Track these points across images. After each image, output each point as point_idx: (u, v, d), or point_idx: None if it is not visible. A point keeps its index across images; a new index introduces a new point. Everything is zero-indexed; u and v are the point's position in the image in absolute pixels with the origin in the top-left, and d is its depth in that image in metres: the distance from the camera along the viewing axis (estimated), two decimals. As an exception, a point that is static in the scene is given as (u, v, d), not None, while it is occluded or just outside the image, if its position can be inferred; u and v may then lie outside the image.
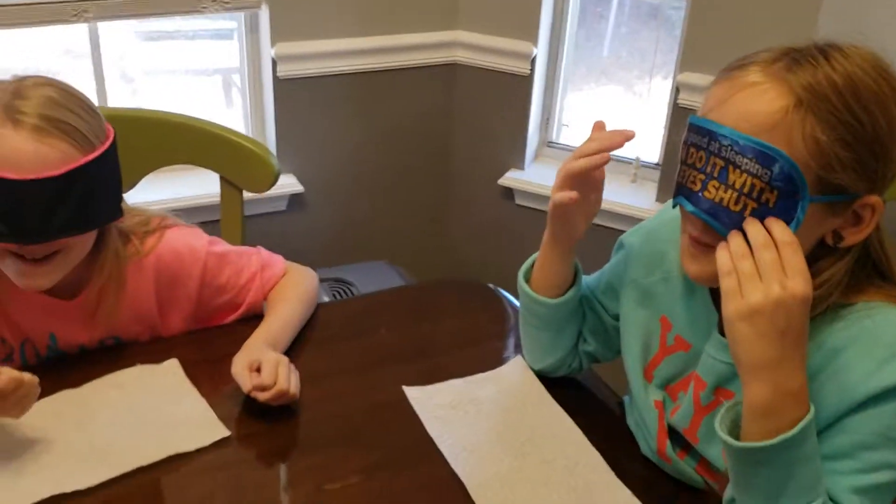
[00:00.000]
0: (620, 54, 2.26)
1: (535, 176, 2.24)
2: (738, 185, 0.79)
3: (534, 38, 2.09)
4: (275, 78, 2.02)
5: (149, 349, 1.13)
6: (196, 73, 2.45)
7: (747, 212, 0.79)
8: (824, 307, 0.82)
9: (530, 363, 1.13)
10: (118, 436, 0.98)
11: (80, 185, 0.97)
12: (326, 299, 1.86)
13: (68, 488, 0.89)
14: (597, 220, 2.28)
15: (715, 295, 0.91)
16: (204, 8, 1.88)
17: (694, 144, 0.83)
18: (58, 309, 1.09)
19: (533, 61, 2.11)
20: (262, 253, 1.23)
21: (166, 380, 1.08)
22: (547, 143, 2.30)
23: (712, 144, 0.80)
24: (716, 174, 0.80)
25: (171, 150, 1.40)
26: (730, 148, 0.78)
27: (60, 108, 0.97)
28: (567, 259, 1.05)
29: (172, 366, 1.10)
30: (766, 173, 0.77)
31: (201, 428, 1.00)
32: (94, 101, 1.05)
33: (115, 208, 1.05)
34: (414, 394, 1.08)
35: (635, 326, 1.02)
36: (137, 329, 1.15)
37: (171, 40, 2.48)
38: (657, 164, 2.14)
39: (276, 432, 1.02)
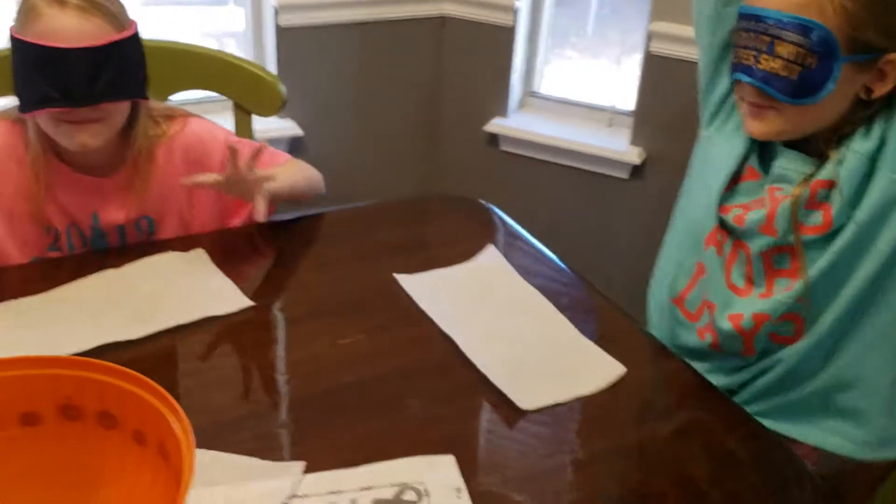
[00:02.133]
0: (597, 9, 2.42)
1: (519, 123, 2.40)
2: (784, 55, 1.00)
3: (516, -9, 2.25)
4: (277, 28, 2.17)
5: (178, 245, 1.29)
6: (200, 38, 2.58)
7: (794, 76, 1.00)
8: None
9: None
10: (158, 301, 1.14)
11: (116, 58, 1.15)
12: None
13: (120, 338, 1.05)
14: (574, 163, 2.46)
15: None
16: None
17: (744, 29, 1.04)
18: (100, 187, 1.27)
19: (516, 14, 2.27)
20: (271, 148, 1.40)
21: (196, 263, 1.25)
22: (530, 93, 2.46)
23: (759, 25, 1.01)
24: (765, 49, 1.01)
25: (185, 76, 1.53)
26: (775, 25, 0.99)
27: None
28: None
29: (199, 253, 1.27)
30: (806, 41, 0.98)
31: (229, 299, 1.16)
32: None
33: (143, 88, 1.23)
34: (403, 279, 1.24)
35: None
36: (168, 211, 1.32)
37: (169, 6, 2.59)
38: (631, 112, 2.31)
39: (293, 303, 1.20)
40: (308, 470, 0.88)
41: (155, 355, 1.05)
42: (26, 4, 1.15)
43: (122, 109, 1.22)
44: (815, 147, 1.10)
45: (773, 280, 1.13)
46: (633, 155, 2.24)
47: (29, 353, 0.96)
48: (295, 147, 2.30)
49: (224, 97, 1.57)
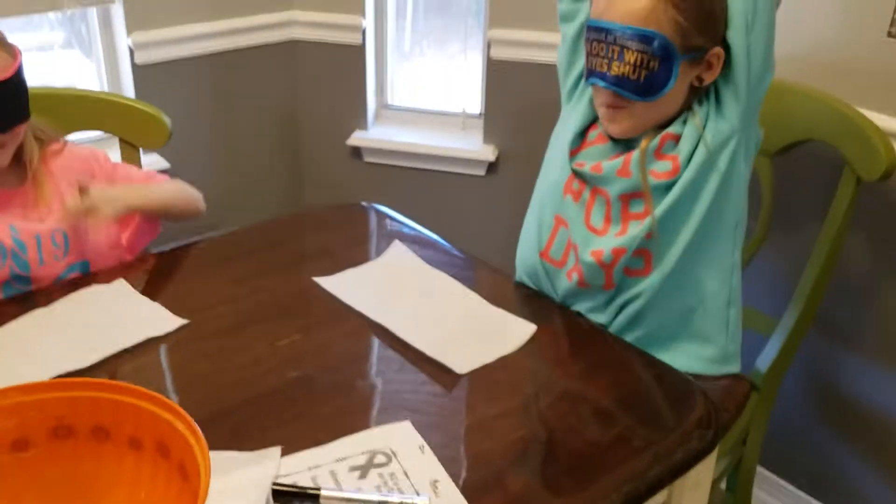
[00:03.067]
0: (438, 22, 2.60)
1: (378, 134, 2.54)
2: (632, 61, 1.19)
3: (361, 12, 2.39)
4: (133, 65, 2.20)
5: (98, 278, 1.35)
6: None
7: (641, 77, 1.19)
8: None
9: None
10: (97, 331, 1.20)
11: (18, 85, 1.25)
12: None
13: (71, 368, 1.10)
14: (434, 166, 2.63)
15: None
16: (63, 5, 2.03)
17: (595, 39, 1.22)
18: (9, 198, 1.35)
19: (363, 33, 2.42)
20: (153, 171, 1.58)
21: (121, 292, 1.31)
22: (384, 106, 2.61)
23: (609, 37, 1.19)
24: (615, 56, 1.19)
25: (75, 119, 1.59)
26: (622, 36, 1.18)
27: None
28: None
29: (121, 283, 1.33)
30: (649, 48, 1.17)
31: (164, 319, 1.23)
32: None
33: (28, 109, 1.32)
34: (323, 281, 1.35)
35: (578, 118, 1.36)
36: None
37: None
38: (480, 114, 2.50)
39: (223, 315, 1.28)
40: (285, 453, 0.98)
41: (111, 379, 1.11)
42: None
43: (22, 130, 1.32)
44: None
45: (628, 221, 1.30)
46: (488, 153, 2.43)
47: None
48: (164, 180, 2.33)
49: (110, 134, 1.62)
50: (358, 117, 2.53)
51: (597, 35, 1.22)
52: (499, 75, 2.36)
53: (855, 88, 1.64)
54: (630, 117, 1.25)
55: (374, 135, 2.54)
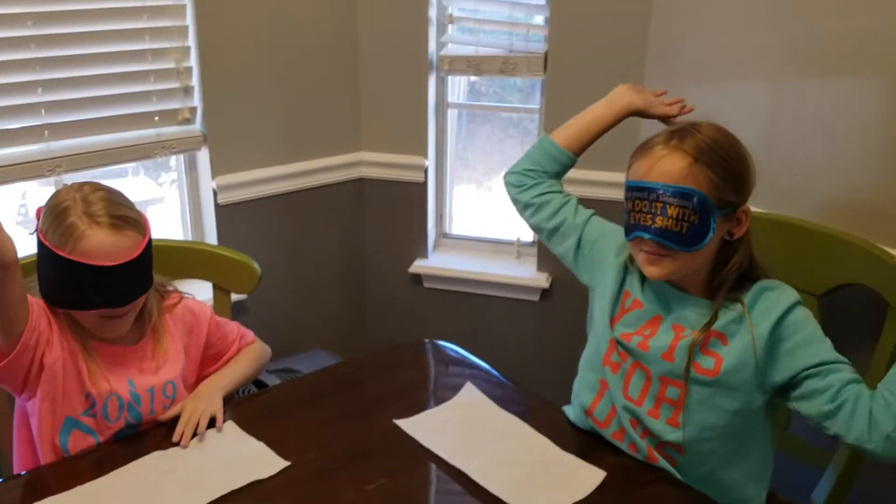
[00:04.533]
0: (495, 159, 2.79)
1: (437, 262, 2.70)
2: (674, 215, 1.31)
3: (424, 152, 2.59)
4: (216, 205, 2.39)
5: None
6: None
7: (683, 230, 1.31)
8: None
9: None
10: (207, 474, 1.33)
11: (145, 258, 1.39)
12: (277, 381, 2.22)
13: (182, 510, 1.23)
14: (489, 292, 2.76)
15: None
16: (155, 154, 2.25)
17: (637, 198, 1.35)
18: (128, 354, 1.47)
19: (426, 171, 2.60)
20: (240, 326, 1.69)
21: (231, 434, 1.45)
22: (443, 235, 2.78)
23: (651, 195, 1.33)
24: (658, 212, 1.32)
25: (171, 268, 1.74)
26: (663, 194, 1.32)
27: (118, 206, 1.39)
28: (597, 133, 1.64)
29: (230, 426, 1.47)
30: (689, 204, 1.31)
31: (267, 462, 1.36)
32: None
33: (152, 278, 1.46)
34: (404, 424, 1.47)
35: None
36: (184, 371, 1.55)
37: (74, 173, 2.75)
38: (533, 242, 2.65)
39: (319, 459, 1.40)
40: None
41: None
42: (63, 222, 1.34)
43: (144, 298, 1.45)
44: (695, 288, 1.41)
45: (661, 403, 1.41)
46: (542, 280, 2.57)
47: None
48: (237, 310, 2.49)
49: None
50: (419, 246, 2.70)
51: (639, 194, 1.35)
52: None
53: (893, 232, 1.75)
54: (672, 263, 1.36)
55: (433, 262, 2.70)
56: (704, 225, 1.31)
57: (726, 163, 1.33)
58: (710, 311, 1.37)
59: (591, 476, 1.32)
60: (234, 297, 2.45)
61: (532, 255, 2.65)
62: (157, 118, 2.24)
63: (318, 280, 2.69)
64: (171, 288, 1.57)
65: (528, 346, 2.67)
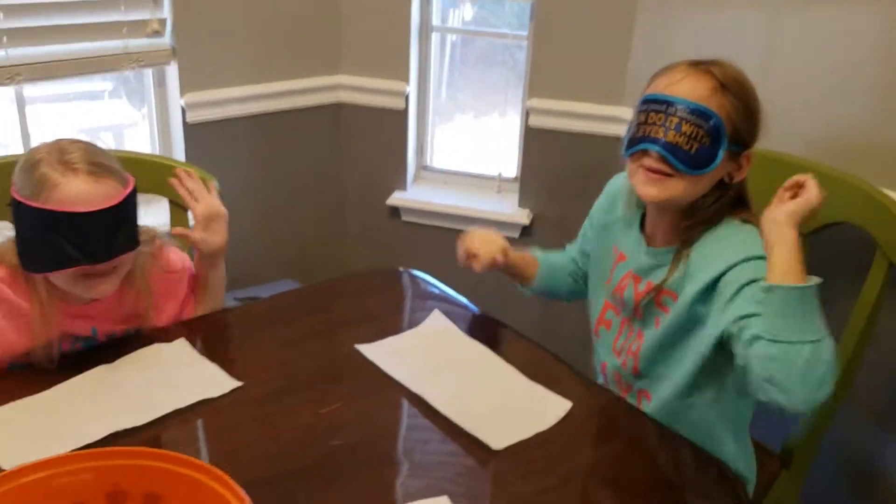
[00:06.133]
0: (480, 88, 2.69)
1: (416, 195, 2.61)
2: (688, 132, 1.26)
3: (406, 78, 2.48)
4: (185, 124, 2.29)
5: (160, 336, 1.41)
6: (80, 133, 2.63)
7: (692, 150, 1.26)
8: (712, 221, 1.33)
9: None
10: (154, 390, 1.26)
11: (127, 212, 1.28)
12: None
13: (124, 426, 1.16)
14: (468, 227, 2.69)
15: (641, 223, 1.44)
16: (122, 66, 2.14)
17: (653, 110, 1.29)
18: (97, 308, 1.37)
19: (407, 98, 2.50)
20: None
21: (182, 352, 1.37)
22: (423, 167, 2.68)
23: (669, 108, 1.27)
24: (672, 127, 1.26)
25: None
26: (683, 109, 1.26)
27: (97, 153, 1.29)
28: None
29: (182, 343, 1.39)
30: (704, 124, 1.26)
31: (219, 382, 1.29)
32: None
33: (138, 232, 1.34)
34: (365, 349, 1.40)
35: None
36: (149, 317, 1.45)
37: (46, 104, 2.64)
38: (515, 178, 2.56)
39: (275, 380, 1.33)
40: (328, 522, 1.02)
41: (159, 439, 1.17)
42: (35, 174, 1.23)
43: (131, 257, 1.33)
44: (662, 235, 1.38)
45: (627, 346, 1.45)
46: (523, 216, 2.49)
47: (40, 447, 1.07)
48: (209, 234, 2.41)
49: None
50: (397, 178, 2.60)
51: (657, 106, 1.29)
52: (535, 142, 2.42)
53: (889, 172, 1.68)
54: (670, 186, 1.30)
55: (412, 195, 2.61)
56: (713, 151, 1.27)
57: (747, 98, 1.29)
58: (668, 264, 1.35)
59: (557, 406, 1.26)
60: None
61: (514, 192, 2.56)
62: (124, 29, 2.12)
63: (290, 208, 2.60)
64: (153, 246, 1.44)
65: (507, 284, 2.59)
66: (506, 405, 1.27)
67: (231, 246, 2.46)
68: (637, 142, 1.31)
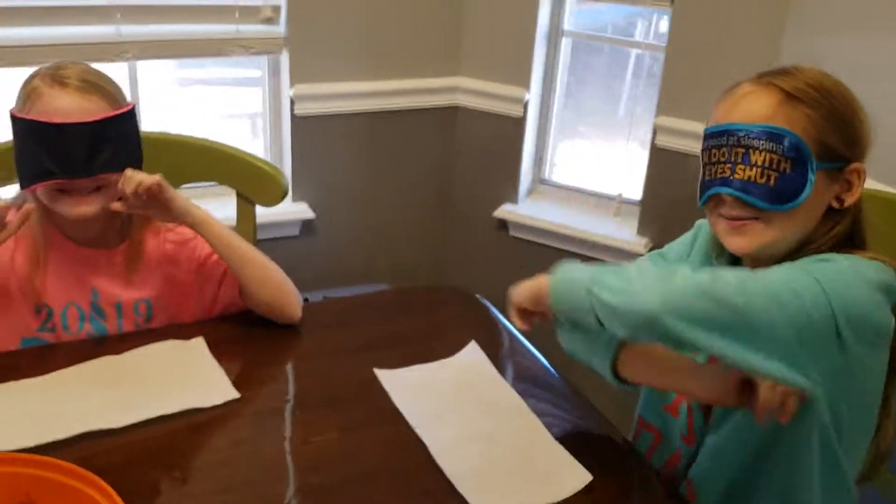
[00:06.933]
0: (608, 101, 2.47)
1: (529, 210, 2.44)
2: (759, 163, 1.02)
3: (527, 85, 2.31)
4: (292, 116, 2.24)
5: (180, 332, 1.32)
6: (225, 118, 2.67)
7: (771, 181, 1.01)
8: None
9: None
10: (145, 391, 1.18)
11: (113, 132, 1.22)
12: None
13: (101, 426, 1.08)
14: (582, 251, 2.46)
15: None
16: (231, 51, 2.11)
17: (715, 146, 1.06)
18: (98, 260, 1.32)
19: (526, 105, 2.33)
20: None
21: (194, 352, 1.28)
22: (540, 180, 2.50)
23: (730, 139, 1.04)
24: (739, 160, 1.03)
25: (192, 168, 1.60)
26: (745, 136, 1.02)
27: (94, 75, 1.25)
28: None
29: (199, 342, 1.30)
30: (779, 148, 1.01)
31: (217, 391, 1.19)
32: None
33: (139, 162, 1.28)
34: (383, 375, 1.26)
35: None
36: (164, 296, 1.37)
37: (204, 86, 2.70)
38: (638, 201, 2.33)
39: (274, 395, 1.22)
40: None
41: (135, 446, 1.07)
42: (28, 87, 1.23)
43: (116, 181, 1.26)
44: None
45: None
46: (640, 246, 2.25)
47: (11, 436, 1.00)
48: (306, 229, 2.36)
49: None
50: (509, 190, 2.44)
51: (716, 141, 1.06)
52: (662, 164, 2.19)
53: None
54: (762, 230, 1.05)
55: (524, 210, 2.44)
56: (799, 176, 1.01)
57: (830, 104, 1.03)
58: None
59: (575, 477, 1.06)
60: (305, 216, 2.33)
61: (633, 216, 2.33)
62: (237, 14, 2.10)
63: (394, 211, 2.50)
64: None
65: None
66: (514, 465, 1.08)
67: (327, 244, 2.40)
68: (706, 187, 1.08)
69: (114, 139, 1.23)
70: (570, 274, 1.05)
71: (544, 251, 2.40)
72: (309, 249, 2.38)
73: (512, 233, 2.45)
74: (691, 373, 1.08)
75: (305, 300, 1.43)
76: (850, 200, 1.05)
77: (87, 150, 1.20)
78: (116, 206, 1.27)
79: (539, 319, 1.15)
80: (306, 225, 2.36)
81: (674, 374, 1.10)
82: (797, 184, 1.01)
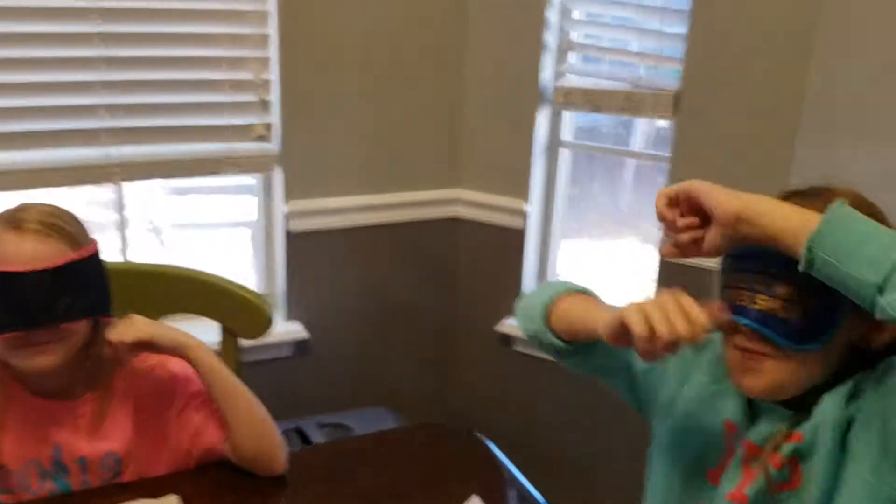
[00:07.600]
0: (612, 209, 2.41)
1: (531, 324, 2.33)
2: (783, 295, 0.92)
3: (526, 196, 2.25)
4: (287, 232, 2.17)
5: (149, 487, 1.21)
6: (218, 227, 2.62)
7: (795, 316, 0.91)
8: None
9: None
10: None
11: (74, 278, 1.14)
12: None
13: None
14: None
15: None
16: (222, 171, 2.06)
17: (735, 268, 0.96)
18: (60, 413, 1.22)
19: (525, 217, 2.26)
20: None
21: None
22: (543, 293, 2.40)
23: (755, 264, 0.94)
24: (762, 289, 0.93)
25: (174, 300, 1.52)
26: (773, 263, 0.91)
27: (55, 217, 1.16)
28: None
29: (172, 500, 1.18)
30: (805, 281, 0.88)
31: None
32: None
33: (104, 306, 1.19)
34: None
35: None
36: (136, 447, 1.25)
37: (197, 194, 2.66)
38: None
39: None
40: None
41: None
42: None
43: (78, 330, 1.18)
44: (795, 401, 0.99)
45: None
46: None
47: None
48: (299, 350, 2.25)
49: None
50: (512, 302, 2.34)
51: (740, 264, 0.96)
52: (670, 276, 2.09)
53: None
54: (772, 370, 0.95)
55: (528, 324, 2.33)
56: (827, 314, 0.91)
57: None
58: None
59: None
60: (299, 336, 2.24)
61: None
62: (229, 133, 2.06)
63: (392, 328, 2.40)
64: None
65: (617, 429, 2.23)
66: None
67: (326, 365, 2.28)
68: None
69: (74, 284, 1.14)
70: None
71: (547, 366, 2.28)
72: (302, 371, 2.27)
73: (516, 348, 2.34)
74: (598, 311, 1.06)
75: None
76: (877, 342, 0.94)
77: (46, 297, 1.11)
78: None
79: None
80: (300, 345, 2.25)
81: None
82: (823, 321, 0.92)
